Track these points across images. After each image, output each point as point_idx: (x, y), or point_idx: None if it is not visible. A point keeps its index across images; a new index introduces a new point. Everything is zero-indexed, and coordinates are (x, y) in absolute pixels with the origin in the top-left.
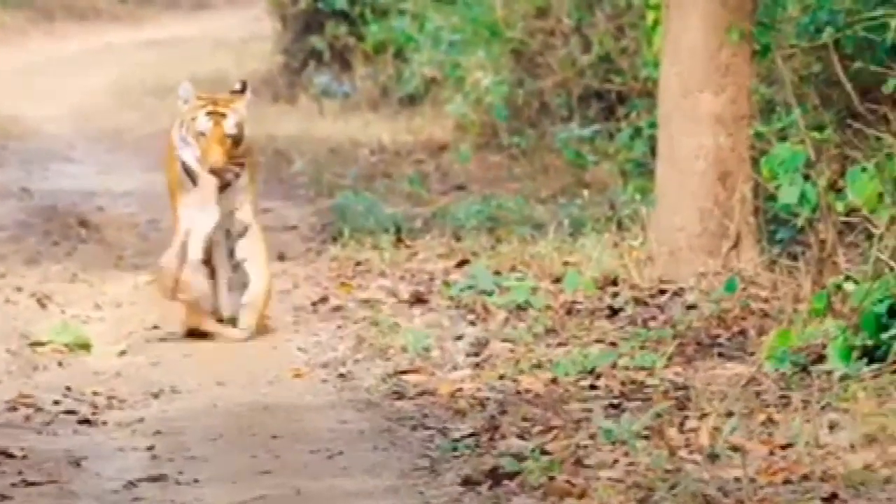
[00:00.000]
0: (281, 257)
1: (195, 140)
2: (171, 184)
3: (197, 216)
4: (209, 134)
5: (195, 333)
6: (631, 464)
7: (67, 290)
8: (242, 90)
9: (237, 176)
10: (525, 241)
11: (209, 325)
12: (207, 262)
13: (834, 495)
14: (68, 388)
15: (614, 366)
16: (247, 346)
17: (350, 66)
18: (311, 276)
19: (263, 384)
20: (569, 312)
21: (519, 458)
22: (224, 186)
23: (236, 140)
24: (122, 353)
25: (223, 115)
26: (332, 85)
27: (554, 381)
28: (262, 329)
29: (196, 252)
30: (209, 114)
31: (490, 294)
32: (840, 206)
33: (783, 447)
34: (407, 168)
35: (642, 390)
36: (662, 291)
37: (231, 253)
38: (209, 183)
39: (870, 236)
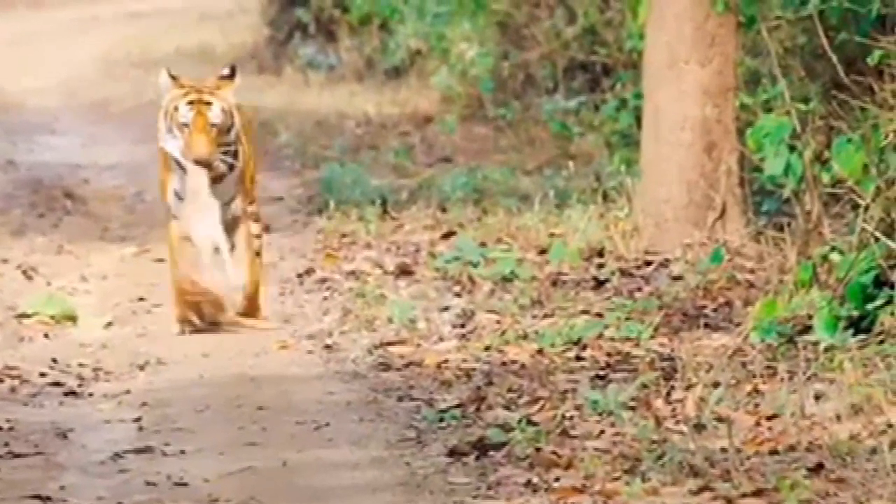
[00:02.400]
0: (267, 229)
1: (179, 131)
2: (162, 171)
3: (195, 219)
4: (192, 124)
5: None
6: (617, 434)
7: (53, 262)
8: (231, 75)
9: (231, 168)
10: (511, 212)
11: (232, 319)
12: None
13: (820, 465)
14: (54, 360)
15: (600, 337)
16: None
17: (335, 38)
18: (297, 247)
19: (250, 356)
20: (554, 284)
21: (505, 428)
22: (217, 178)
23: (224, 128)
24: (109, 324)
25: (207, 104)
26: (317, 57)
27: (540, 352)
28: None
29: (207, 255)
30: (191, 103)
31: (476, 265)
32: (826, 178)
33: (769, 418)
34: (392, 140)
35: (628, 361)
36: (648, 262)
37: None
38: (199, 176)
39: (855, 207)
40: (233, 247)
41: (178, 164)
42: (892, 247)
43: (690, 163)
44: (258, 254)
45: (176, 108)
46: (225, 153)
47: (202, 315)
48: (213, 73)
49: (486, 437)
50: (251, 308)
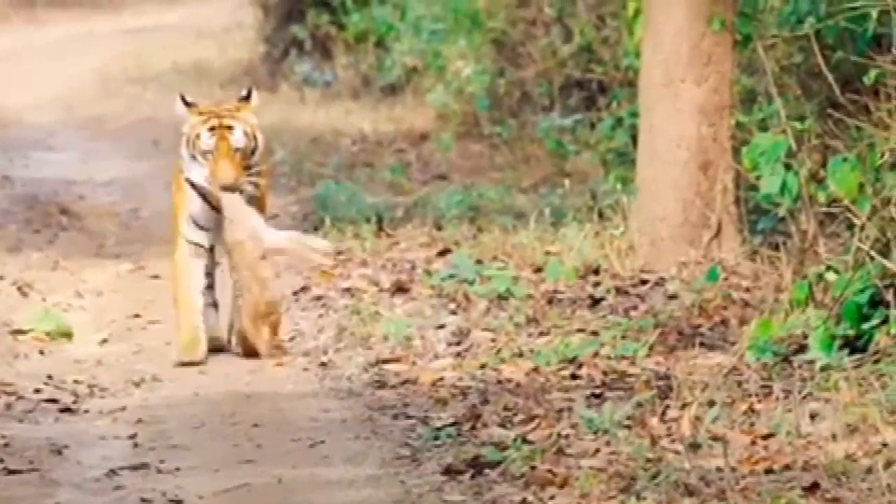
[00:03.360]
0: None
1: (203, 159)
2: (177, 207)
3: (251, 243)
4: (215, 151)
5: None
6: (612, 453)
7: (49, 278)
8: (248, 96)
9: (256, 186)
10: (506, 230)
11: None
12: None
13: (815, 485)
14: (49, 377)
15: (596, 355)
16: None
17: (331, 55)
18: (293, 265)
19: (245, 373)
20: (550, 302)
21: (500, 447)
22: (248, 201)
23: (248, 151)
24: (104, 341)
25: (229, 129)
26: (313, 74)
27: (535, 370)
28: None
29: (272, 272)
30: (212, 129)
31: (471, 283)
32: (821, 196)
33: (765, 437)
34: (388, 157)
35: (624, 380)
36: (644, 281)
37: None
38: (235, 201)
39: (851, 226)
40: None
41: (202, 193)
42: (887, 266)
43: (686, 181)
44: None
45: (198, 136)
46: (250, 175)
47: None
48: (209, 89)
49: (482, 456)
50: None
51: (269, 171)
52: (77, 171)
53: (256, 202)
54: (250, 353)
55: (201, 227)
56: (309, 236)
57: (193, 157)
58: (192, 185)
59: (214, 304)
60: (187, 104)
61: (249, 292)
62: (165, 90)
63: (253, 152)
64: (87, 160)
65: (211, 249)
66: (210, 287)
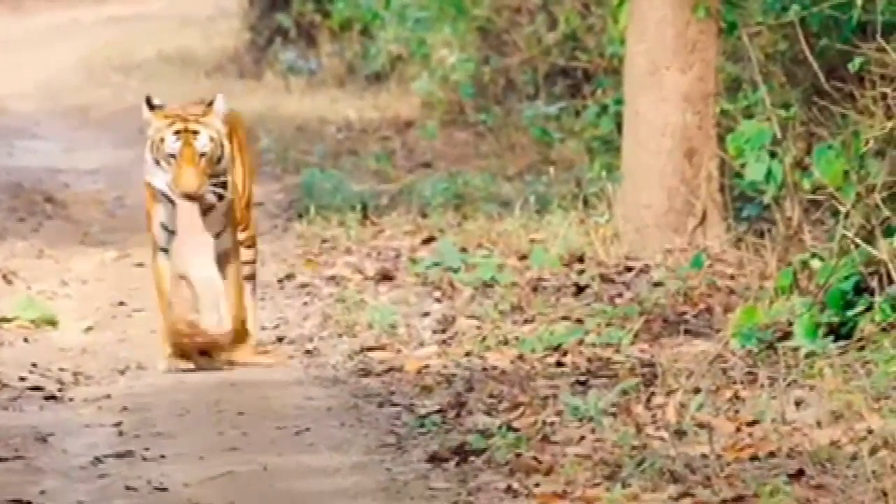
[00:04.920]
0: None
1: (166, 163)
2: (148, 200)
3: (190, 258)
4: (179, 155)
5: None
6: (598, 440)
7: (33, 266)
8: (212, 103)
9: (220, 198)
10: (491, 218)
11: (240, 360)
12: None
13: (800, 471)
14: (34, 365)
15: (581, 343)
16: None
17: (316, 43)
18: (278, 252)
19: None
20: (535, 289)
21: (486, 434)
22: (206, 210)
23: (214, 158)
24: (89, 329)
25: (194, 133)
26: (298, 62)
27: (520, 357)
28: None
29: (207, 296)
30: (177, 132)
31: (456, 271)
32: (806, 184)
33: (750, 424)
34: (373, 145)
35: (609, 367)
36: (629, 268)
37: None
38: (191, 211)
39: (836, 213)
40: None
41: (167, 197)
42: (872, 253)
43: (671, 169)
44: (252, 277)
45: (162, 140)
46: (215, 185)
47: (198, 358)
48: (195, 77)
49: (467, 443)
50: (238, 337)
51: (252, 171)
52: (62, 160)
53: (229, 213)
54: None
55: (171, 232)
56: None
57: (157, 162)
58: (162, 193)
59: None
60: (152, 107)
61: (170, 308)
62: (150, 78)
63: (219, 160)
64: (71, 149)
65: None
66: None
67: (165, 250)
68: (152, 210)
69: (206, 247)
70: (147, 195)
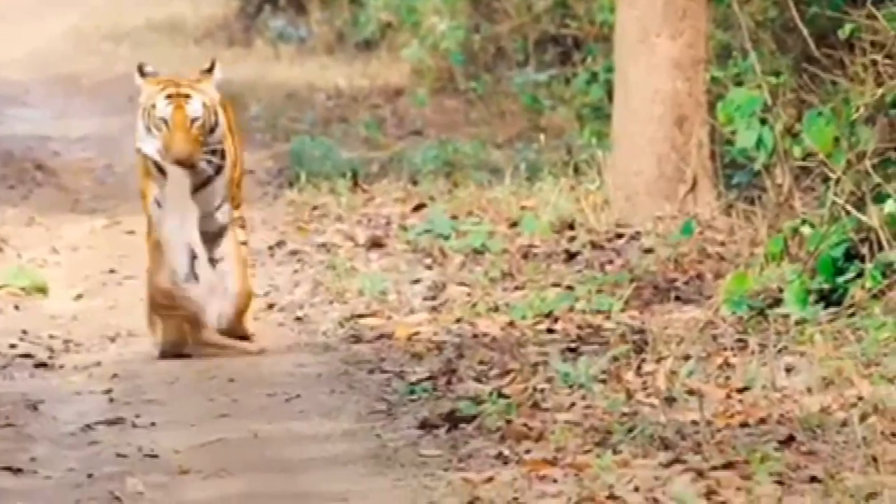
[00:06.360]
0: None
1: (157, 129)
2: (142, 178)
3: (172, 226)
4: (171, 121)
5: (177, 350)
6: (588, 407)
7: (24, 233)
8: (211, 69)
9: (218, 170)
10: (482, 185)
11: (214, 338)
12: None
13: (791, 438)
14: (25, 332)
15: (571, 309)
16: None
17: (306, 11)
18: (268, 220)
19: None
20: (525, 256)
21: (476, 401)
22: (203, 182)
23: (208, 126)
24: (79, 296)
25: (186, 97)
26: (287, 29)
27: (511, 324)
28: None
29: (182, 267)
30: (169, 97)
31: (447, 238)
32: (797, 151)
33: (740, 390)
34: (363, 113)
35: (599, 334)
36: (619, 235)
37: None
38: (180, 179)
39: (826, 180)
40: (221, 258)
41: (159, 168)
42: (862, 220)
43: (661, 136)
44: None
45: (153, 106)
46: (208, 153)
47: (182, 334)
48: (184, 45)
49: (457, 410)
50: (240, 324)
51: (241, 150)
52: (52, 128)
53: (227, 186)
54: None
55: None
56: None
57: (148, 129)
58: (155, 164)
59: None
60: (143, 74)
61: (149, 275)
62: (140, 46)
63: (213, 129)
64: (61, 116)
65: None
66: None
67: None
68: (147, 188)
69: (192, 217)
70: (139, 172)
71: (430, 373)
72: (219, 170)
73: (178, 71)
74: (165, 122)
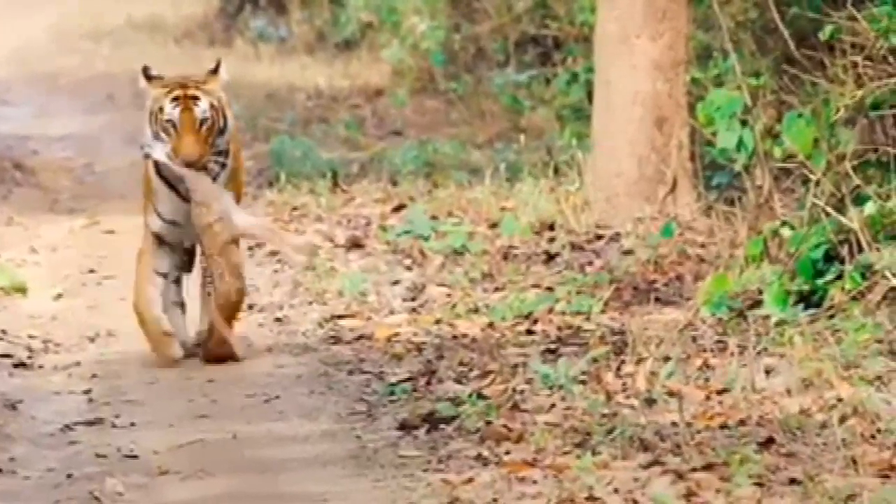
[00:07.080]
0: None
1: (165, 134)
2: (145, 192)
3: (235, 217)
4: (178, 124)
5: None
6: (568, 408)
7: (3, 233)
8: (216, 69)
9: (223, 166)
10: (462, 186)
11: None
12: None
13: (770, 439)
14: (4, 332)
15: (551, 311)
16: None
17: (286, 11)
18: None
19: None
20: (505, 257)
21: (456, 402)
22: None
23: (216, 128)
24: (58, 296)
25: (194, 99)
26: (267, 29)
27: (490, 325)
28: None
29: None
30: (175, 99)
31: (427, 239)
32: (777, 152)
33: (720, 392)
34: (343, 113)
35: (579, 335)
36: (599, 237)
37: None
38: (201, 180)
39: (806, 182)
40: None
41: (168, 182)
42: (842, 222)
43: (641, 137)
44: None
45: (161, 109)
46: (218, 154)
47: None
48: (164, 44)
49: (437, 411)
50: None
51: (239, 148)
52: (31, 127)
53: (231, 181)
54: (214, 356)
55: (167, 221)
56: (288, 233)
57: (156, 135)
58: (160, 175)
59: (181, 304)
60: (149, 77)
61: (221, 280)
62: (120, 45)
63: (221, 131)
64: (41, 115)
65: (182, 247)
66: (177, 283)
67: (157, 235)
68: (147, 194)
69: (232, 204)
70: (144, 189)
71: (409, 374)
72: (223, 166)
73: (161, 70)
74: (174, 124)
